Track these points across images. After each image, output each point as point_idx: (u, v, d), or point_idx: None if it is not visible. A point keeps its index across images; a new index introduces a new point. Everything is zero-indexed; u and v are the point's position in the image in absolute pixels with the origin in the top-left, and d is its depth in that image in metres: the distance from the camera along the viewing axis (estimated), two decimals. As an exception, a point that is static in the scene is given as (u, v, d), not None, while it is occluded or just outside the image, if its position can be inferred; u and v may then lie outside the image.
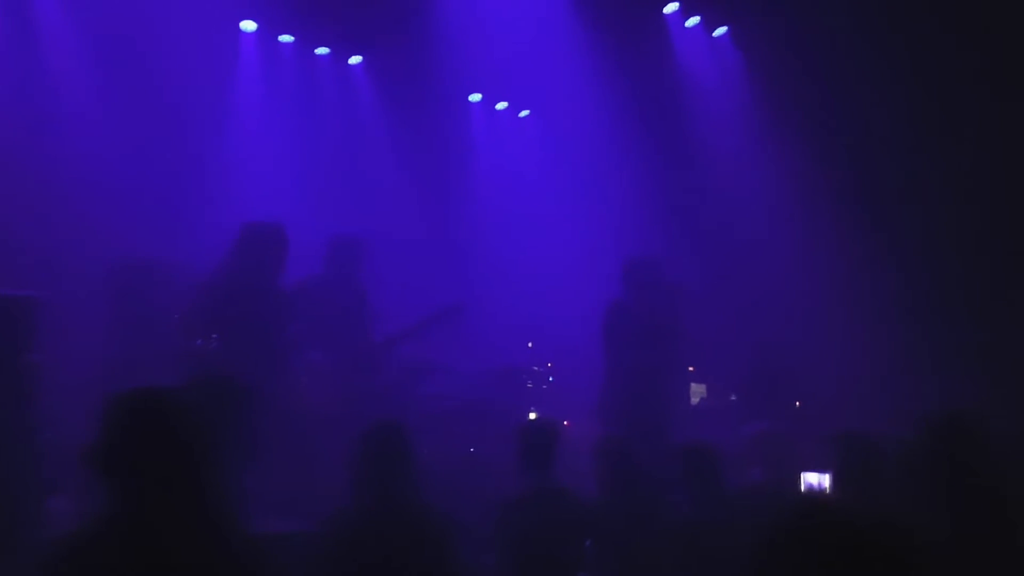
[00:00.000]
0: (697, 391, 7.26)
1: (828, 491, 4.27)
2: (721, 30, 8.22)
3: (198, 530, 2.48)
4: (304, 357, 5.44)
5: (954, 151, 6.71)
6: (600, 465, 4.66)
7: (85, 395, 4.46)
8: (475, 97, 8.82)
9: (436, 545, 3.64)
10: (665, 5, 8.09)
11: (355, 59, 8.29)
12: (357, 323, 5.73)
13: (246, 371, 4.10)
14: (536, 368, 7.21)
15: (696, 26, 8.21)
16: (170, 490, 2.46)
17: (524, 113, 9.09)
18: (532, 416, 6.61)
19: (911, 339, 6.34)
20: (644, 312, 5.91)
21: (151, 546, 2.40)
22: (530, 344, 7.45)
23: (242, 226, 5.19)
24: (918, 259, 6.79)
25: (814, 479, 4.51)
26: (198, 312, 4.95)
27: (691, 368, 7.09)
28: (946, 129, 6.72)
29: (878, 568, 1.65)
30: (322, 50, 8.15)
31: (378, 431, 3.77)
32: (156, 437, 2.49)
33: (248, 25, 7.68)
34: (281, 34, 7.89)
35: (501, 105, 8.98)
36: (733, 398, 7.11)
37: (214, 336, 4.75)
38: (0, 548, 3.76)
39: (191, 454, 2.53)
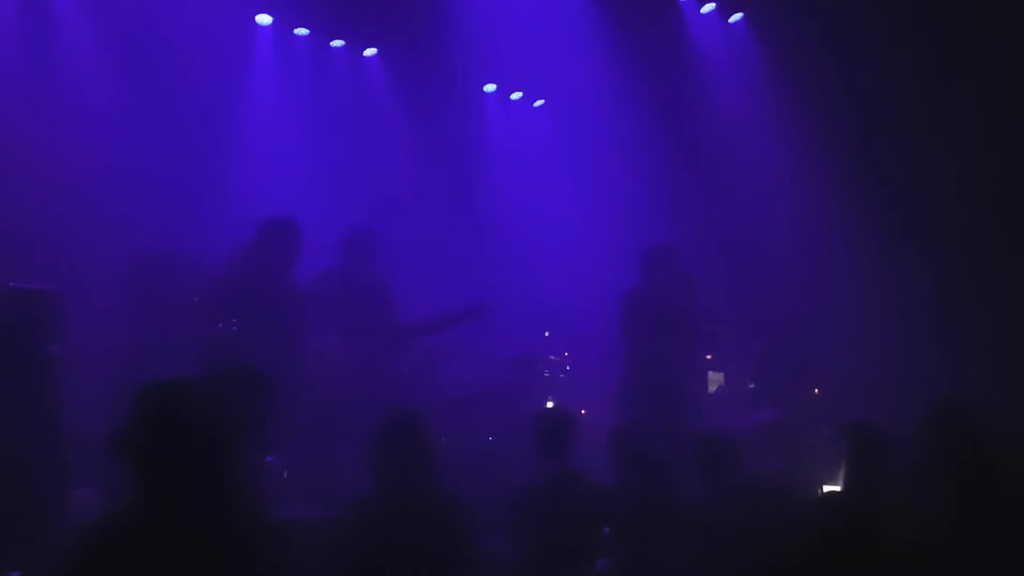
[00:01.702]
0: (715, 379, 7.25)
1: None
2: (737, 17, 8.17)
3: (221, 517, 2.51)
4: (322, 343, 5.49)
5: (967, 141, 6.67)
6: (617, 453, 4.68)
7: (106, 385, 4.53)
8: (490, 87, 8.82)
9: (454, 532, 3.67)
10: (680, -8, 8.07)
11: (370, 51, 8.31)
12: (375, 312, 5.77)
13: (264, 359, 4.14)
14: (553, 357, 7.22)
15: (711, 13, 8.16)
16: (195, 478, 2.50)
17: (539, 103, 9.08)
18: (549, 405, 6.63)
19: (926, 328, 6.31)
20: (660, 300, 5.92)
21: (176, 534, 2.44)
22: (547, 333, 7.45)
23: (257, 222, 5.28)
24: (934, 249, 6.76)
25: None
26: (215, 300, 5.02)
27: (709, 356, 7.07)
28: (964, 118, 6.67)
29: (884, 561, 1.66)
30: (337, 42, 8.17)
31: (396, 419, 3.80)
32: (182, 427, 2.52)
33: (263, 18, 7.71)
34: (296, 27, 7.91)
35: (516, 95, 8.98)
36: (752, 386, 7.09)
37: (233, 321, 4.80)
38: (25, 537, 3.81)
39: (216, 443, 2.56)
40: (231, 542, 2.52)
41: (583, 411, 6.43)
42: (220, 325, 4.80)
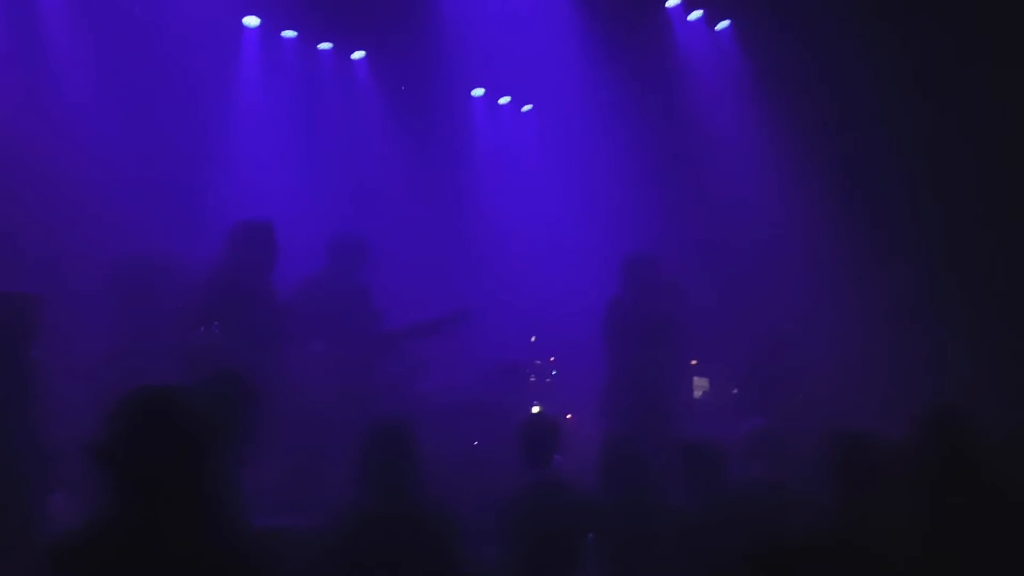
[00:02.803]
0: (700, 385, 7.25)
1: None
2: (723, 24, 8.20)
3: (202, 526, 2.51)
4: (306, 350, 5.47)
5: (956, 148, 6.70)
6: (601, 460, 4.67)
7: (87, 392, 4.50)
8: (478, 92, 8.82)
9: (439, 539, 3.66)
10: (667, -1, 8.08)
11: (358, 54, 8.30)
12: (359, 319, 5.75)
13: (247, 366, 4.12)
14: (538, 363, 7.22)
15: (698, 20, 8.19)
16: (175, 487, 2.49)
17: (527, 108, 9.09)
18: (535, 410, 6.62)
19: (911, 335, 6.34)
20: (642, 309, 5.91)
21: (155, 542, 2.42)
22: (533, 339, 7.45)
23: (232, 225, 5.25)
24: (920, 255, 6.79)
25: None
26: (199, 306, 5.00)
27: (694, 362, 7.08)
28: (949, 126, 6.71)
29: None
30: (325, 45, 8.16)
31: (382, 426, 3.79)
32: (162, 435, 2.51)
33: (251, 20, 7.69)
34: (284, 29, 7.89)
35: (504, 100, 8.98)
36: (735, 392, 7.10)
37: (211, 329, 4.77)
38: (2, 544, 3.78)
39: (196, 451, 2.56)
40: (212, 550, 2.50)
41: (568, 417, 6.44)
42: (203, 331, 4.78)
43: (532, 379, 7.11)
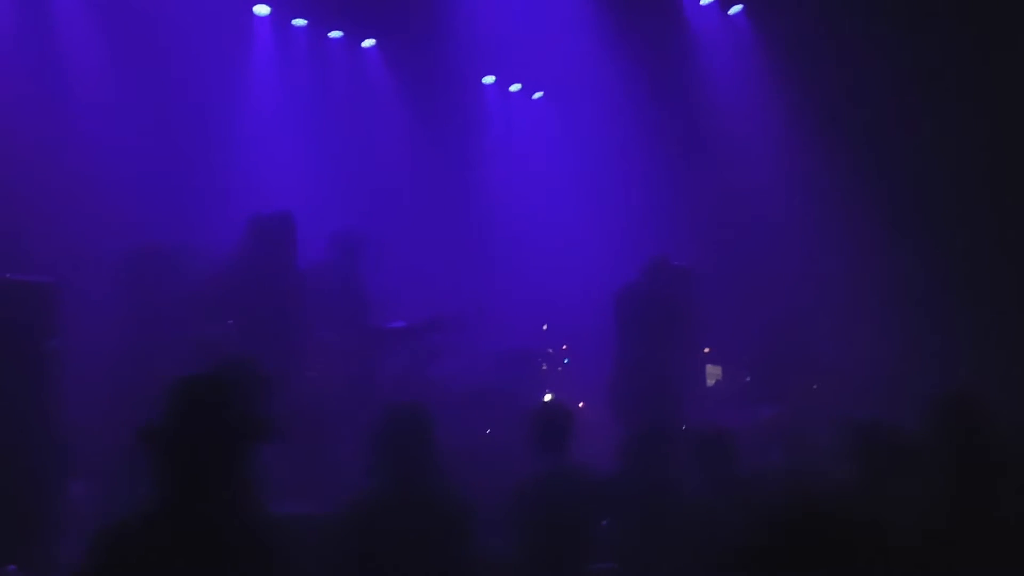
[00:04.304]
0: (713, 373, 7.24)
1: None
2: (736, 8, 8.15)
3: (244, 511, 2.57)
4: (317, 338, 5.48)
5: (967, 132, 6.66)
6: (623, 448, 4.67)
7: (105, 380, 4.52)
8: (488, 79, 8.80)
9: (454, 526, 3.66)
10: (680, -17, 8.05)
11: (368, 42, 8.29)
12: (366, 309, 5.75)
13: (261, 355, 4.13)
14: (551, 351, 7.22)
15: (711, 4, 8.15)
16: (225, 473, 2.54)
17: (538, 95, 9.06)
18: (547, 398, 6.63)
19: (925, 322, 6.31)
20: (654, 296, 5.90)
21: (194, 529, 2.47)
22: (545, 327, 7.45)
23: (250, 218, 5.26)
24: (933, 241, 6.76)
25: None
26: (213, 296, 5.02)
27: (707, 350, 7.07)
28: (958, 111, 6.67)
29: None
30: (335, 33, 8.15)
31: (398, 413, 3.79)
32: (217, 422, 2.56)
33: (261, 9, 7.69)
34: (294, 18, 7.89)
35: (515, 87, 8.96)
36: (748, 379, 7.08)
37: (229, 321, 4.79)
38: (22, 531, 3.81)
39: (243, 439, 2.62)
40: (253, 536, 2.57)
41: (581, 405, 6.45)
42: (218, 321, 4.80)
43: (544, 368, 7.11)
